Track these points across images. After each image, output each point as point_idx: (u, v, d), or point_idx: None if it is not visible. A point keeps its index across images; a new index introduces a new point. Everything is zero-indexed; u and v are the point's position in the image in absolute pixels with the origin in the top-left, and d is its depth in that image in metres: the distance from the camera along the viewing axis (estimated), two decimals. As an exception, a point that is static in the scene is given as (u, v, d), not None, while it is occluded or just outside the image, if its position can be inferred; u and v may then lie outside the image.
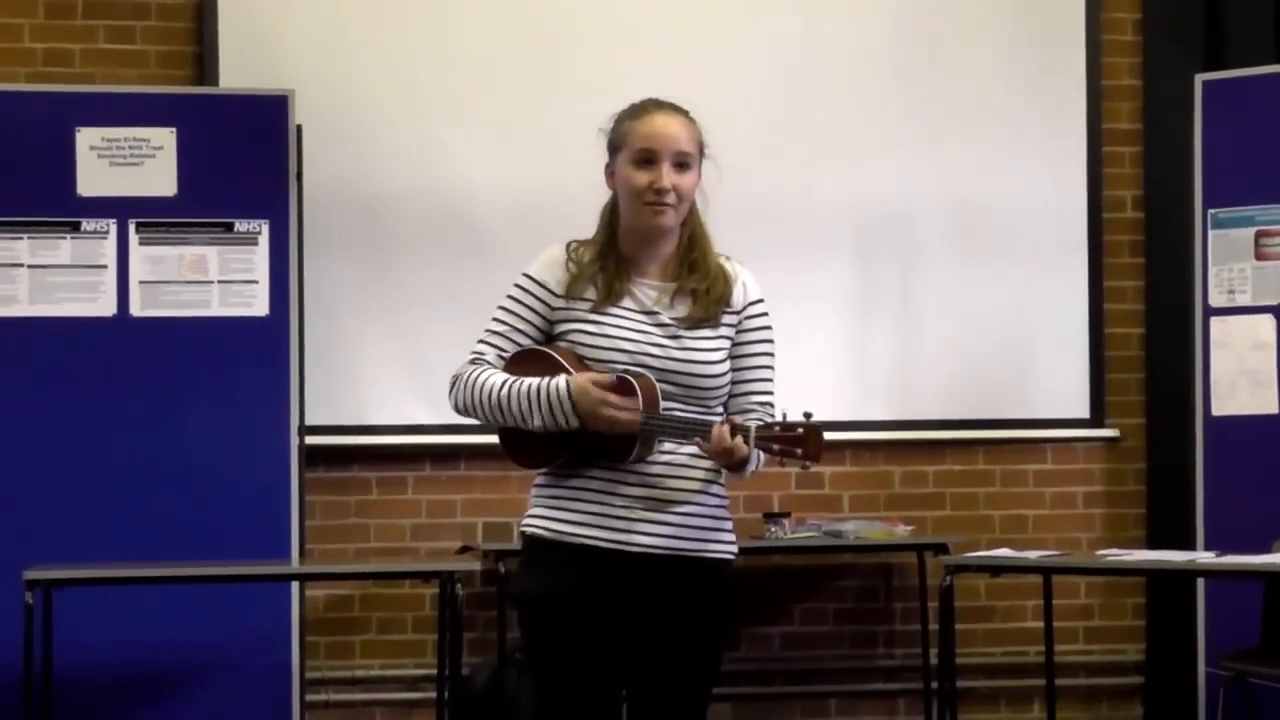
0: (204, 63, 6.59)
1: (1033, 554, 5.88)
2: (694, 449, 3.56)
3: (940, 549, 6.41)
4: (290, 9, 6.65)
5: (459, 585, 5.52)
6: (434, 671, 6.14)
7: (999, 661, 6.95)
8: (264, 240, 6.18)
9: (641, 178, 3.63)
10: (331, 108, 6.53)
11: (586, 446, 3.60)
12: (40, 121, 6.12)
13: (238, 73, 6.53)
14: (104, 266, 6.13)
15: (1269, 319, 6.30)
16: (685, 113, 3.72)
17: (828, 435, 7.15)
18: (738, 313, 3.70)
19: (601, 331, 3.63)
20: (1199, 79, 6.43)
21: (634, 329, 3.63)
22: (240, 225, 6.18)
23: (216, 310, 6.16)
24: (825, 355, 6.80)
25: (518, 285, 3.72)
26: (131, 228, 6.14)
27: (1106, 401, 7.04)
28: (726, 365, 3.67)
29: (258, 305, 6.17)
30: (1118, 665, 7.06)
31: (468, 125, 6.68)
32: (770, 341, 3.75)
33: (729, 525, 3.72)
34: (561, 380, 3.56)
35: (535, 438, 3.62)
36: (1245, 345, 6.31)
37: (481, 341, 3.71)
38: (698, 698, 3.69)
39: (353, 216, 6.60)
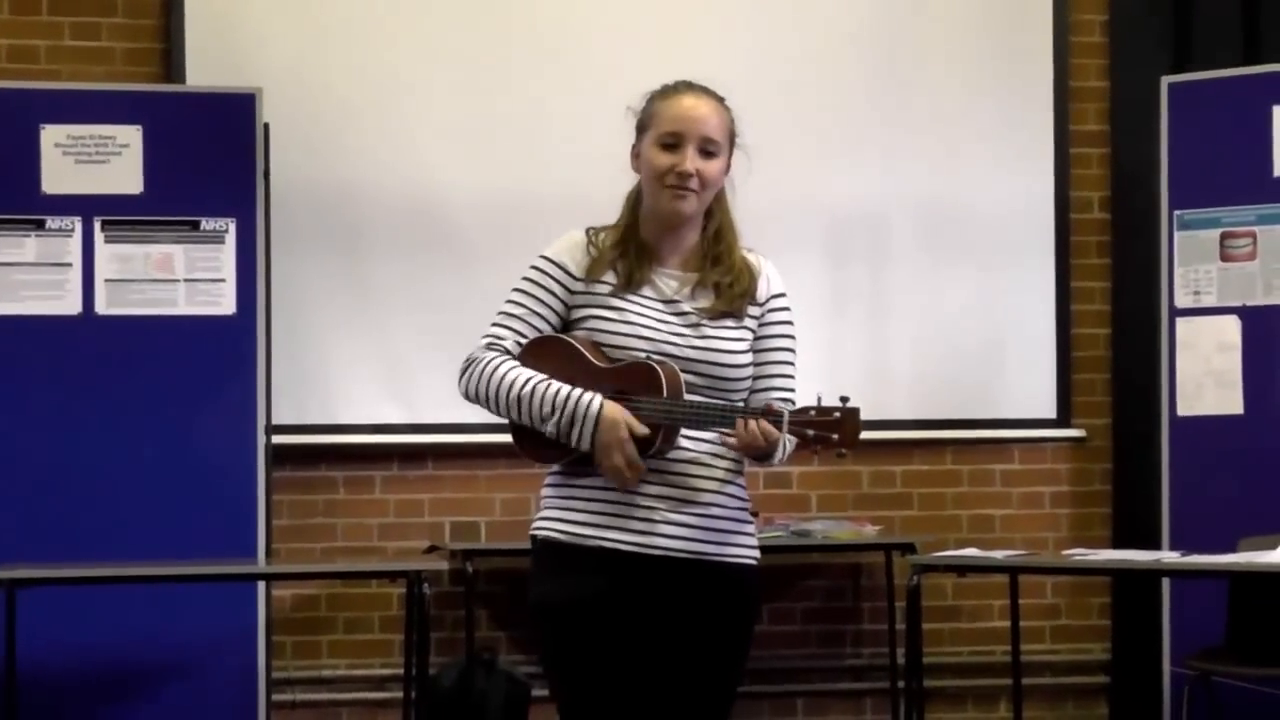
0: (171, 60, 6.57)
1: (999, 554, 5.89)
2: (714, 445, 3.46)
3: (908, 549, 6.41)
4: (258, 6, 6.64)
5: (426, 585, 5.51)
6: (401, 671, 6.12)
7: (966, 661, 6.97)
8: (231, 239, 6.16)
9: (664, 160, 3.51)
10: (299, 106, 6.51)
11: None
12: (4, 118, 6.09)
13: (205, 70, 6.51)
14: (69, 265, 6.10)
15: (1234, 320, 6.32)
16: (719, 97, 3.62)
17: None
18: (761, 305, 3.60)
19: (622, 318, 3.50)
20: (1165, 81, 6.46)
21: (655, 317, 3.51)
22: (207, 224, 6.16)
23: (183, 309, 6.14)
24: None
25: (535, 267, 3.56)
26: (97, 225, 6.12)
27: (1073, 402, 7.06)
28: (748, 359, 3.56)
29: (224, 304, 6.15)
30: (1084, 664, 7.08)
31: (437, 124, 6.67)
32: (792, 336, 3.65)
33: (750, 527, 3.60)
34: (595, 400, 3.42)
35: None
36: (1211, 346, 6.33)
37: (498, 325, 3.55)
38: (718, 703, 3.57)
39: (320, 215, 6.58)
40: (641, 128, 3.58)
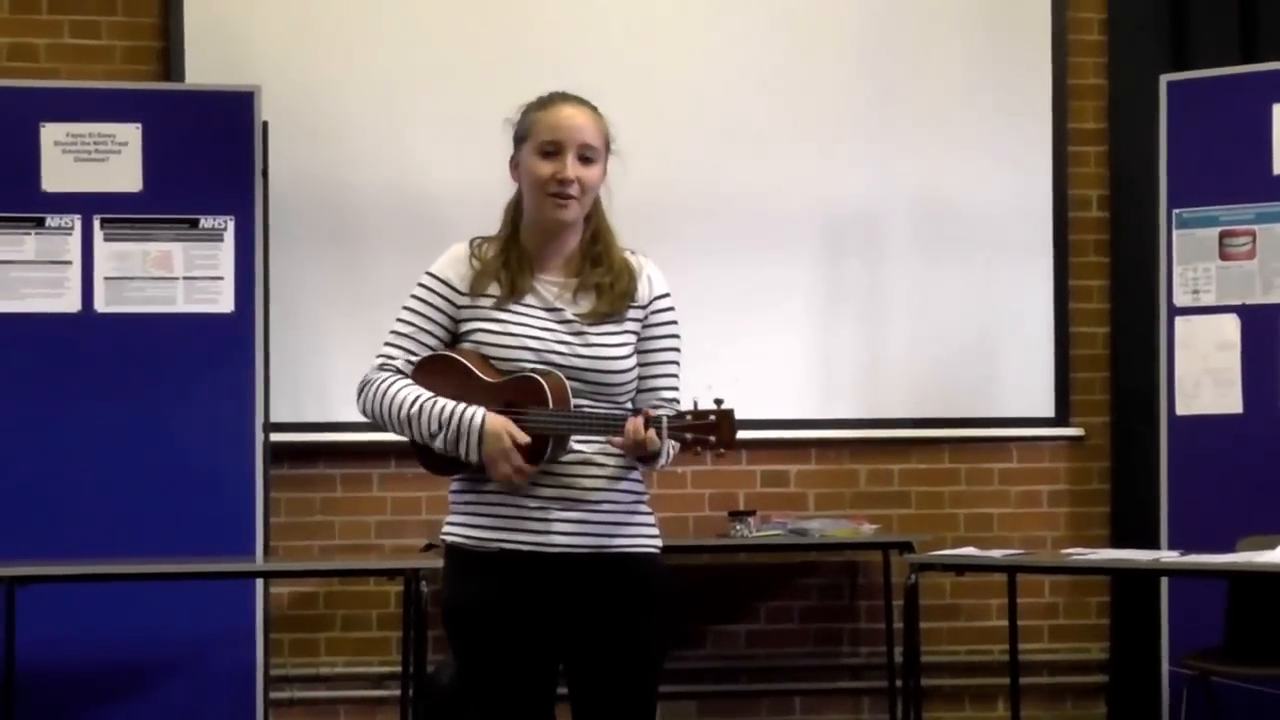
0: (170, 58, 6.58)
1: (997, 553, 5.89)
2: (603, 445, 3.54)
3: (905, 547, 6.40)
4: (257, 5, 6.64)
5: (424, 582, 5.51)
6: (398, 669, 6.13)
7: (964, 660, 6.97)
8: (229, 236, 6.16)
9: (545, 168, 3.59)
10: (298, 104, 6.51)
11: None
12: (4, 117, 6.10)
13: (204, 68, 6.51)
14: (68, 262, 6.11)
15: (1233, 319, 6.32)
16: (593, 107, 3.68)
17: (794, 434, 7.21)
18: (643, 307, 3.66)
19: (506, 330, 3.58)
20: (1164, 79, 6.45)
21: (538, 326, 3.59)
22: (206, 221, 6.16)
23: (181, 307, 6.14)
24: (791, 353, 6.81)
25: (421, 284, 3.68)
26: (96, 224, 6.12)
27: (1072, 400, 7.05)
28: (633, 361, 3.63)
29: (223, 302, 6.16)
30: (1082, 664, 7.08)
31: (434, 122, 6.67)
32: (676, 336, 3.71)
33: (649, 519, 3.68)
34: (479, 414, 3.52)
35: None
36: (1209, 345, 6.33)
37: (388, 344, 3.67)
38: (640, 695, 3.63)
39: (319, 213, 6.59)
40: (519, 139, 3.68)
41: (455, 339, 3.65)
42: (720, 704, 6.85)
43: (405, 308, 3.68)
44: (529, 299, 3.61)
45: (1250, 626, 5.77)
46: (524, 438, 3.49)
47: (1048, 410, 7.04)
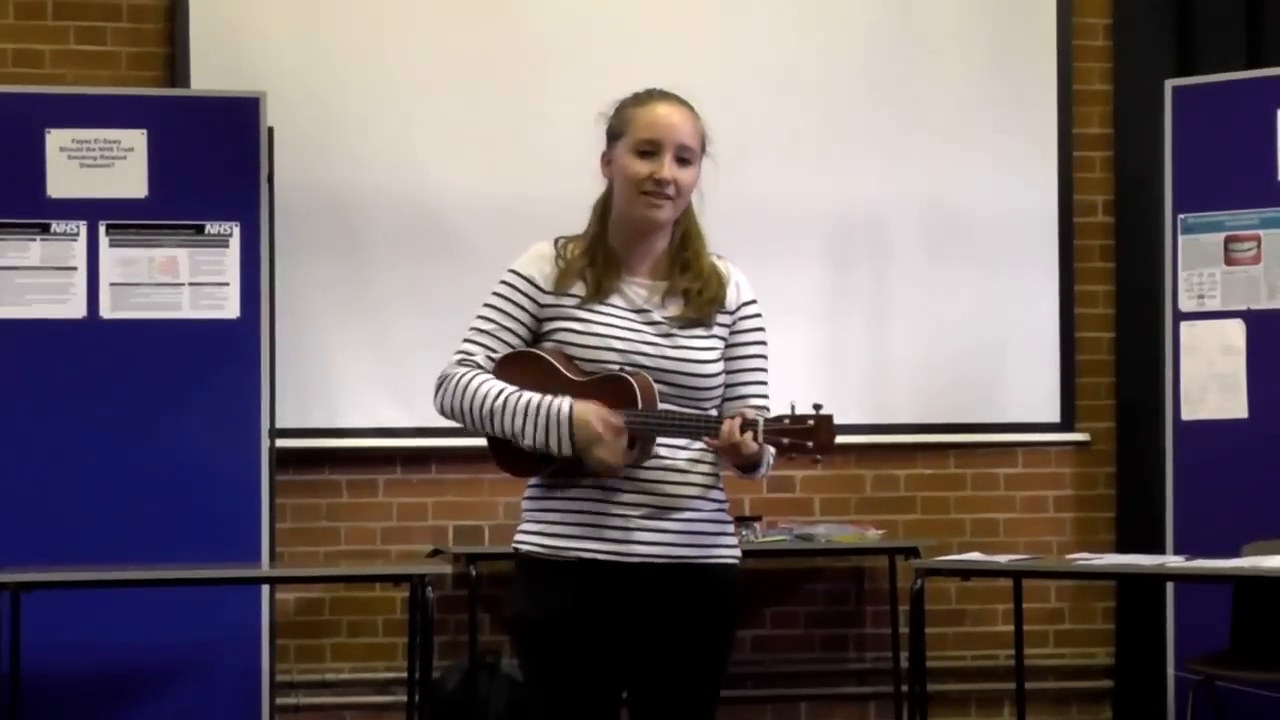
0: (175, 64, 6.58)
1: (1003, 558, 5.88)
2: (691, 452, 3.47)
3: (911, 552, 6.40)
4: (262, 11, 6.64)
5: (430, 588, 5.51)
6: (404, 675, 6.12)
7: (969, 665, 6.97)
8: (235, 242, 6.17)
9: (642, 167, 3.50)
10: (303, 110, 6.52)
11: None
12: (10, 122, 6.10)
13: (209, 74, 6.52)
14: (74, 268, 6.11)
15: (1238, 324, 6.32)
16: (690, 106, 3.61)
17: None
18: (731, 313, 3.59)
19: (591, 330, 3.49)
20: (1170, 85, 6.46)
21: (625, 326, 3.50)
22: (211, 227, 6.17)
23: (187, 312, 6.15)
24: (797, 358, 6.80)
25: (504, 282, 3.56)
26: (102, 229, 6.13)
27: (1077, 406, 7.05)
28: (720, 365, 3.55)
29: (229, 307, 6.16)
30: (1088, 669, 7.08)
31: (440, 128, 6.68)
32: (764, 343, 3.64)
33: (729, 527, 3.60)
34: (565, 403, 3.42)
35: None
36: (1215, 350, 6.33)
37: (469, 340, 3.55)
38: (704, 705, 3.58)
39: (324, 219, 6.59)
40: (614, 135, 3.57)
41: (537, 339, 3.56)
42: (725, 710, 6.76)
43: (486, 304, 3.57)
44: (614, 299, 3.53)
45: (1256, 631, 5.77)
46: (618, 421, 3.39)
47: (1053, 415, 7.03)
